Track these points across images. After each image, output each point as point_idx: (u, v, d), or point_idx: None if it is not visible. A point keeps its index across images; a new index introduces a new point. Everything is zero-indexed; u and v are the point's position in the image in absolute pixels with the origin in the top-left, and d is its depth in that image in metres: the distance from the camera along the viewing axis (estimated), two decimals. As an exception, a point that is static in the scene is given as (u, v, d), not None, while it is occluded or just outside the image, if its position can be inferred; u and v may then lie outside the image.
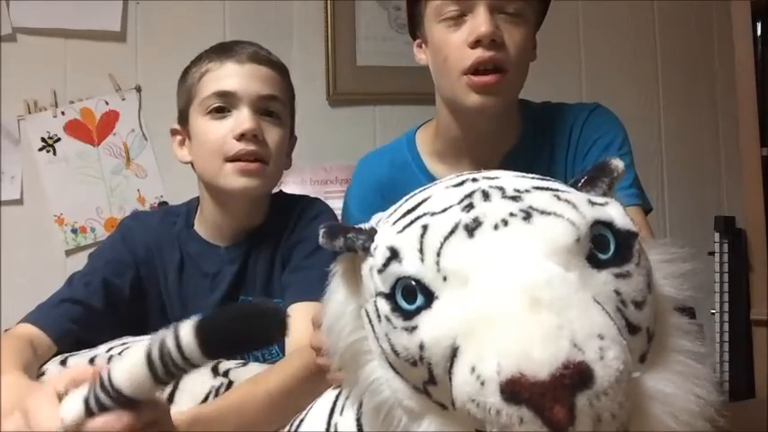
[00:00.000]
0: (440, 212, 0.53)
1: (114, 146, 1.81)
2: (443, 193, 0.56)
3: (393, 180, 1.11)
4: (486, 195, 0.53)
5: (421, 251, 0.51)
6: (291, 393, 0.82)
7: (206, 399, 0.83)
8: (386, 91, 1.90)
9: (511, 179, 0.56)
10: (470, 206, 0.52)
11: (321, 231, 0.57)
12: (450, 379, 0.47)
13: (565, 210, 0.51)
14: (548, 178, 0.58)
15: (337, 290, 0.60)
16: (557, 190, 0.54)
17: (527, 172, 1.14)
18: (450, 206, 0.53)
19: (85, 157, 1.79)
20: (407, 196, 0.60)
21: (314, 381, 0.81)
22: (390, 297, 0.51)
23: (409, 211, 0.56)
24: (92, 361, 0.88)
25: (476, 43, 0.95)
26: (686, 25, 2.12)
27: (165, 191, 1.82)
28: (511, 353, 0.44)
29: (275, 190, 1.14)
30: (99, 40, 1.81)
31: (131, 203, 1.81)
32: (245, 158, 1.00)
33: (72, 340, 0.95)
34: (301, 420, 0.76)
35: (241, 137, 1.00)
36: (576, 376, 0.43)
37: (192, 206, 1.13)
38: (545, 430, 0.42)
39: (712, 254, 1.73)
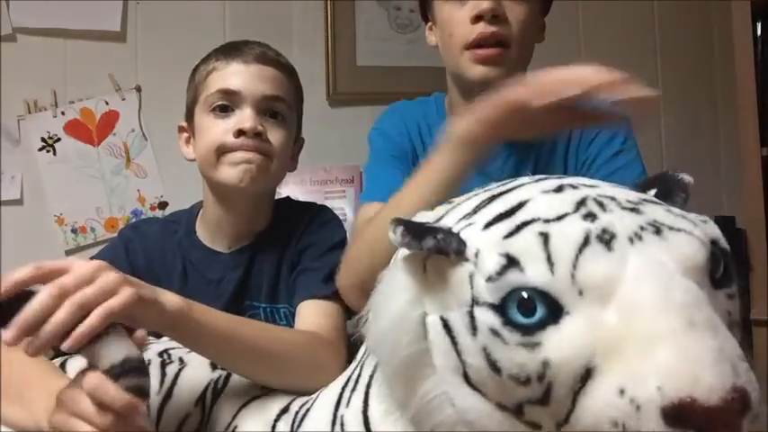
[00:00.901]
0: (555, 219, 0.49)
1: (114, 146, 1.81)
2: (546, 197, 0.52)
3: (422, 132, 1.12)
4: (601, 205, 0.50)
5: (549, 261, 0.47)
6: (288, 355, 0.82)
7: (204, 392, 0.84)
8: (386, 91, 1.89)
9: (612, 188, 0.54)
10: (591, 215, 0.49)
11: (400, 229, 0.52)
12: (575, 400, 0.44)
13: (690, 227, 0.50)
14: (634, 188, 0.56)
15: (401, 292, 0.55)
16: (661, 203, 0.52)
17: (528, 157, 1.12)
18: (566, 214, 0.50)
19: (85, 157, 1.79)
20: (485, 196, 0.56)
21: (309, 369, 0.81)
22: (499, 309, 0.47)
23: (505, 215, 0.52)
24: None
25: (477, 18, 0.97)
26: (686, 25, 2.12)
27: (165, 191, 1.82)
28: (676, 376, 0.41)
29: (279, 195, 1.14)
30: (99, 40, 1.80)
31: (131, 203, 1.81)
32: (244, 150, 1.00)
33: None
34: (307, 410, 0.76)
35: (240, 134, 0.99)
36: (742, 401, 0.41)
37: (193, 212, 1.13)
38: None
39: (712, 254, 1.73)
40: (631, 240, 0.47)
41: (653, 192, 0.56)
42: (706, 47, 2.12)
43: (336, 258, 0.97)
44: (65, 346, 0.63)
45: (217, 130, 1.01)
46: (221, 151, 1.01)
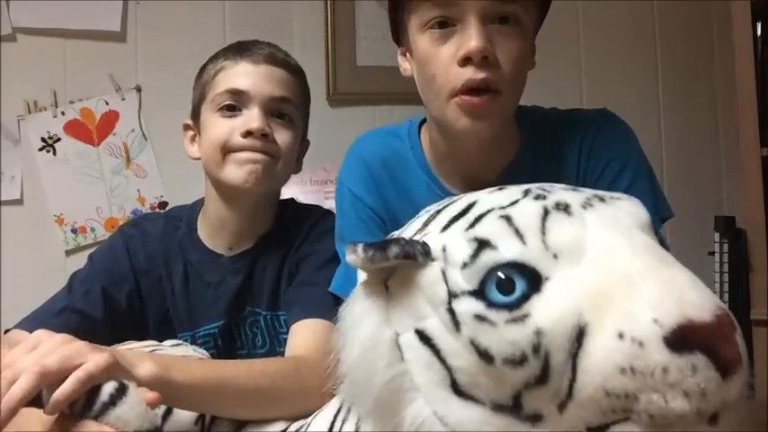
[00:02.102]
0: (510, 205, 0.51)
1: (114, 146, 1.81)
2: (492, 194, 0.54)
3: (391, 172, 0.99)
4: (544, 189, 0.53)
5: (518, 234, 0.48)
6: (276, 389, 0.81)
7: None
8: (386, 91, 1.90)
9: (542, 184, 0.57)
10: (540, 196, 0.51)
11: (360, 247, 0.50)
12: (575, 365, 0.44)
13: (626, 197, 0.54)
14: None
15: (367, 316, 0.53)
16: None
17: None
18: (518, 199, 0.51)
19: (85, 157, 1.79)
20: (430, 213, 0.56)
21: (298, 396, 0.80)
22: (480, 293, 0.47)
23: (459, 216, 0.52)
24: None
25: (465, 61, 0.84)
26: (686, 25, 2.12)
27: (165, 191, 1.82)
28: (666, 303, 0.42)
29: (284, 196, 1.13)
30: (99, 40, 1.80)
31: (131, 203, 1.81)
32: (250, 150, 0.99)
33: None
34: None
35: (247, 134, 0.99)
36: (730, 316, 0.43)
37: (195, 209, 1.11)
38: (716, 375, 0.41)
39: (712, 254, 1.72)
40: (584, 207, 0.50)
41: None
42: (706, 47, 2.12)
43: (334, 271, 0.93)
44: (46, 410, 0.61)
45: (223, 129, 1.01)
46: (227, 150, 1.00)
